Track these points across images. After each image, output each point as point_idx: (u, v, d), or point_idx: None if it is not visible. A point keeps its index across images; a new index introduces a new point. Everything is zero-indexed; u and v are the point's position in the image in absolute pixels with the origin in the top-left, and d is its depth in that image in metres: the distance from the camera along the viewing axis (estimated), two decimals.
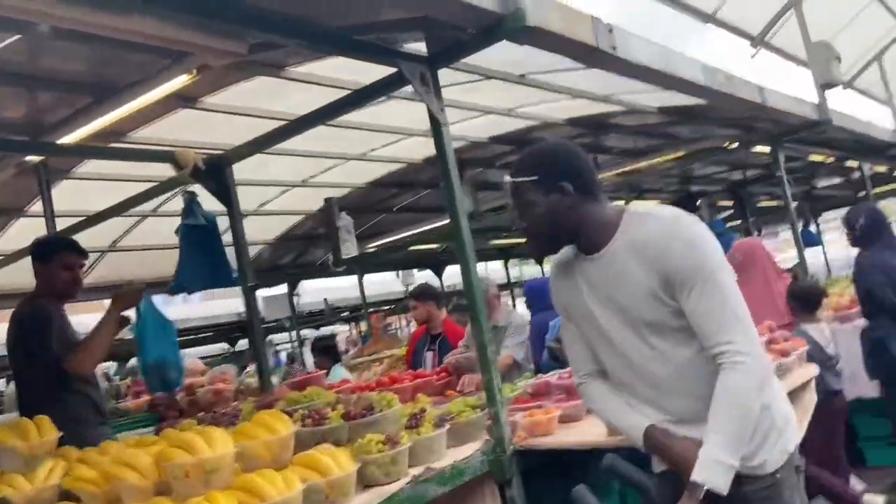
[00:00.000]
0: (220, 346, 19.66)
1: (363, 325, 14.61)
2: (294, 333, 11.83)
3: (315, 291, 14.41)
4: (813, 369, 3.57)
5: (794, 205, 6.63)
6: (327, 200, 4.34)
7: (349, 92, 4.03)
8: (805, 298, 4.51)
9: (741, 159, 9.57)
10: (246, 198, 8.29)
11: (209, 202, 4.49)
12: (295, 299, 10.96)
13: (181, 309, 15.85)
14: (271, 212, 8.92)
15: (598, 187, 2.05)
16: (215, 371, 5.52)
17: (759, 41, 6.95)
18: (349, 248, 4.22)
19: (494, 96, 6.20)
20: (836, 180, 13.24)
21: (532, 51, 3.68)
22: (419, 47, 3.43)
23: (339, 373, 5.93)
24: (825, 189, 14.30)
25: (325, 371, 6.20)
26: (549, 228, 2.02)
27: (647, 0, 6.35)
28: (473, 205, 8.86)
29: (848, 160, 9.49)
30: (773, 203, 12.73)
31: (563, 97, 6.37)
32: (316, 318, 13.92)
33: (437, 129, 3.14)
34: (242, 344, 17.73)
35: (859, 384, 4.84)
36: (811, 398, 3.53)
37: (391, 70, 3.29)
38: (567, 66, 4.82)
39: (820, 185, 14.09)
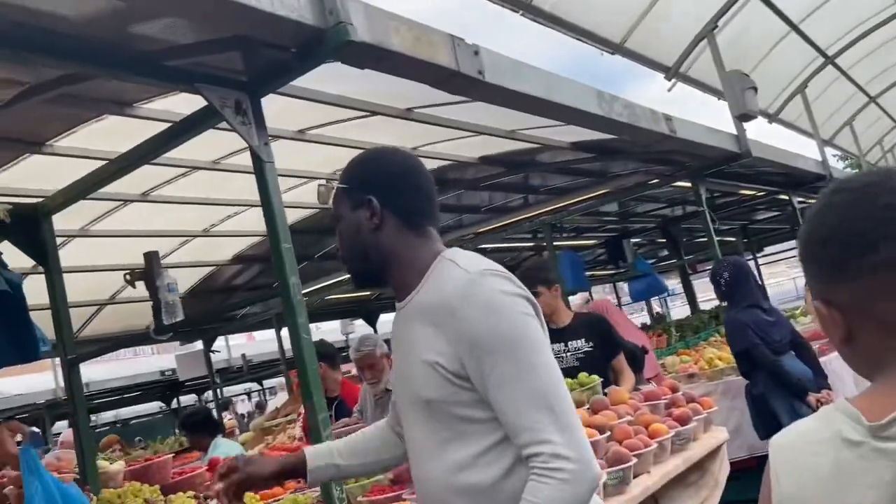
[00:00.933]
0: (156, 405, 18.61)
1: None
2: (211, 393, 11.03)
3: (238, 347, 13.65)
4: (722, 434, 3.09)
5: (733, 240, 6.35)
6: (147, 255, 3.72)
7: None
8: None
9: (677, 196, 9.31)
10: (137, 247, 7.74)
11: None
12: (214, 355, 10.20)
13: (106, 367, 14.88)
14: (176, 264, 8.28)
15: (428, 217, 1.60)
16: (55, 454, 4.77)
17: (674, 73, 6.67)
18: (173, 311, 3.60)
19: (394, 134, 5.75)
20: (773, 214, 13.14)
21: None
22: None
23: (223, 447, 5.22)
24: (763, 223, 14.23)
25: (201, 451, 5.51)
26: (351, 251, 1.60)
27: (554, 33, 6.01)
28: None
29: (779, 194, 9.27)
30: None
31: (468, 134, 5.95)
32: (236, 374, 13.12)
33: (258, 166, 2.62)
34: (184, 400, 16.76)
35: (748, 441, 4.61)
36: (722, 467, 3.03)
37: None
38: (452, 98, 4.41)
39: (758, 219, 14.03)
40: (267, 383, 18.80)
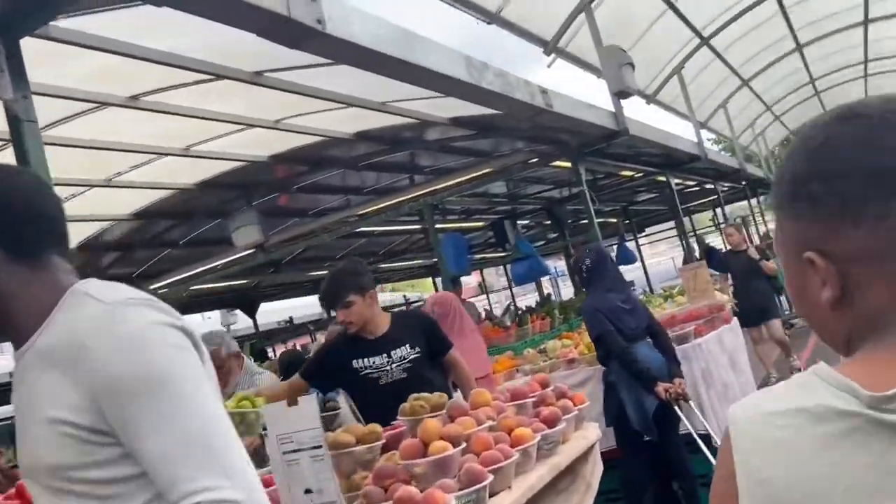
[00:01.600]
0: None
1: None
2: None
3: None
4: (593, 432, 2.79)
5: (615, 220, 6.20)
6: None
7: None
8: None
9: (563, 178, 9.18)
10: None
11: None
12: None
13: None
14: None
15: (47, 244, 1.26)
16: None
17: (552, 47, 6.42)
18: None
19: (246, 101, 5.16)
20: (652, 195, 13.40)
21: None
22: None
23: None
24: (643, 204, 14.51)
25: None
26: None
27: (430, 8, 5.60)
28: (261, 235, 7.75)
29: (658, 175, 9.32)
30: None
31: (337, 106, 5.45)
32: None
33: (14, 127, 2.04)
34: None
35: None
36: (595, 469, 2.73)
37: None
38: (313, 60, 3.90)
39: (639, 200, 14.29)
40: None
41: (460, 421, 2.29)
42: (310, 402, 1.80)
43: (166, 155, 6.03)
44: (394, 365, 3.18)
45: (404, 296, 17.75)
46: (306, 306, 14.41)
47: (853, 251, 0.72)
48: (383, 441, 2.36)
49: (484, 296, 18.30)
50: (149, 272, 9.44)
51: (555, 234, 13.12)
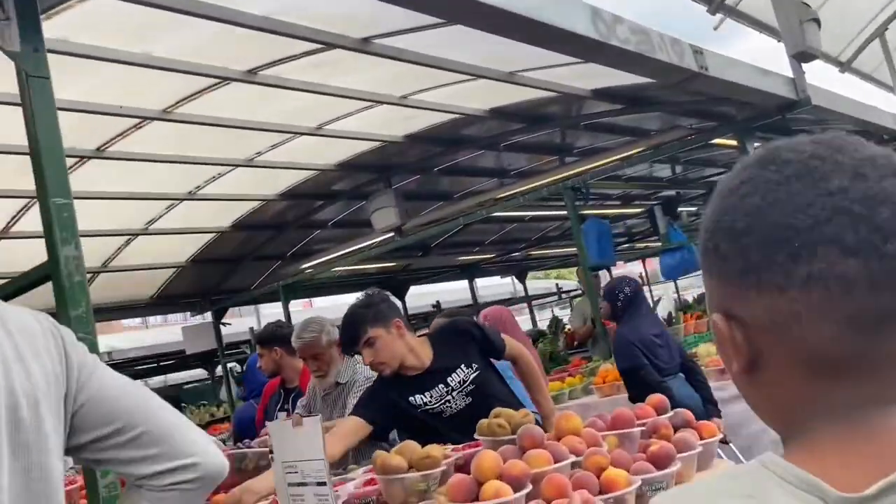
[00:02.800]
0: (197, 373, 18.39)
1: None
2: (221, 368, 10.53)
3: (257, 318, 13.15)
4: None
5: None
6: None
7: None
8: None
9: (735, 157, 8.15)
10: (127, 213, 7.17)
11: None
12: (223, 329, 9.67)
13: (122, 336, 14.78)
14: (167, 230, 7.68)
15: None
16: None
17: (718, 4, 5.55)
18: None
19: (374, 78, 4.89)
20: None
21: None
22: None
23: None
24: None
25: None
26: None
27: None
28: (398, 218, 7.55)
29: None
30: None
31: (463, 78, 5.04)
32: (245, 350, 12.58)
33: (22, 83, 1.81)
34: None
35: None
36: None
37: None
38: (421, 21, 3.52)
39: None
40: None
41: (532, 455, 1.80)
42: (314, 425, 1.41)
43: (300, 134, 5.95)
44: (455, 393, 2.72)
45: (556, 284, 17.10)
46: (454, 291, 14.24)
47: (754, 319, 0.64)
48: (443, 468, 1.92)
49: (646, 287, 17.17)
50: (300, 252, 9.65)
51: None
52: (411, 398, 2.73)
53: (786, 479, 0.58)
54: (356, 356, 3.75)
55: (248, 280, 9.91)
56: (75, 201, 6.08)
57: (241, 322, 12.72)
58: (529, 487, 1.68)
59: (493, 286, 17.81)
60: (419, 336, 2.96)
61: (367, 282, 12.30)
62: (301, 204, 8.33)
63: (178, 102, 4.70)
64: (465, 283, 13.09)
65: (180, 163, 6.08)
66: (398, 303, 13.13)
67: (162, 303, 9.26)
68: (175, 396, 14.47)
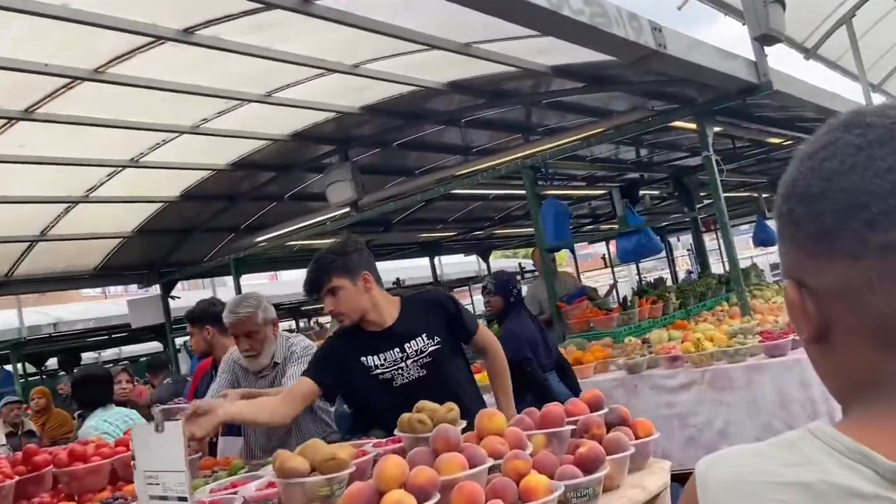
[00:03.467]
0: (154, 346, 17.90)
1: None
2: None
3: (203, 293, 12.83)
4: (659, 476, 2.04)
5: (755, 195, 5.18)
6: None
7: None
8: None
9: (696, 141, 8.06)
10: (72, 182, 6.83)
11: None
12: (171, 302, 9.36)
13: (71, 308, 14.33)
14: (109, 198, 7.34)
15: None
16: None
17: None
18: None
19: (326, 45, 4.64)
20: None
21: None
22: None
23: (97, 423, 4.28)
24: None
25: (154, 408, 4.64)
26: None
27: None
28: (354, 192, 7.32)
29: None
30: (733, 194, 11.24)
31: (416, 48, 4.81)
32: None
33: None
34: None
35: None
36: None
37: None
38: None
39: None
40: None
41: (444, 460, 1.64)
42: (175, 430, 1.22)
43: (248, 101, 5.67)
44: (409, 361, 2.59)
45: (519, 264, 17.02)
46: (417, 268, 14.07)
47: (827, 287, 0.62)
48: (351, 470, 1.75)
49: (607, 270, 17.22)
50: (255, 225, 9.36)
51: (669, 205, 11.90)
52: (364, 359, 2.61)
53: (834, 447, 0.58)
54: (286, 333, 3.57)
55: (200, 252, 9.60)
56: (6, 165, 5.75)
57: (195, 295, 12.39)
58: (436, 498, 1.52)
59: (457, 264, 17.68)
60: (393, 296, 2.80)
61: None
62: (254, 175, 8.05)
63: (110, 62, 4.41)
64: (427, 261, 12.93)
65: (119, 127, 5.76)
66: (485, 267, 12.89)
67: (106, 274, 8.93)
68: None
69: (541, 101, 6.70)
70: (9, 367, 11.97)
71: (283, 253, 10.26)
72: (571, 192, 10.32)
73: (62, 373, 14.12)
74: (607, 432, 2.04)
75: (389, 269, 14.13)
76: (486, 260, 14.87)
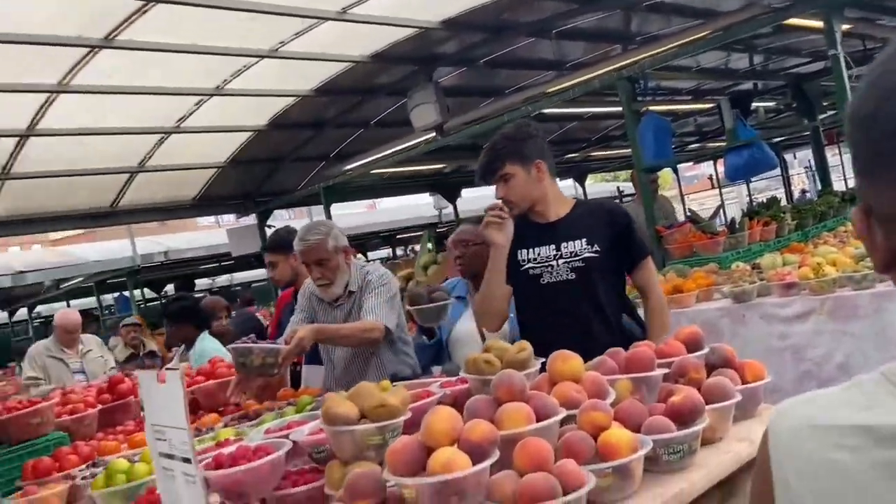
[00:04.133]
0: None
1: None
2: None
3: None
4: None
5: None
6: None
7: None
8: None
9: (819, 45, 7.17)
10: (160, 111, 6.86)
11: None
12: (268, 231, 9.49)
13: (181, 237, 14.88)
14: (200, 128, 7.38)
15: None
16: None
17: None
18: None
19: None
20: None
21: None
22: None
23: (208, 346, 4.33)
24: None
25: (176, 349, 4.74)
26: None
27: None
28: (439, 115, 7.02)
29: None
30: None
31: None
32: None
33: None
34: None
35: None
36: None
37: None
38: None
39: None
40: None
41: (507, 410, 1.39)
42: (174, 382, 1.03)
43: (323, 19, 5.43)
44: (561, 261, 2.44)
45: (618, 188, 16.27)
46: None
47: (892, 215, 0.61)
48: (406, 416, 1.55)
49: (714, 191, 16.22)
50: (343, 152, 9.27)
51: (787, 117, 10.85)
52: (518, 252, 2.49)
53: None
54: (361, 259, 3.42)
55: (292, 182, 9.64)
56: (96, 96, 5.79)
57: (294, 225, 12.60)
58: (495, 456, 1.29)
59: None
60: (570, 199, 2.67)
61: (416, 184, 11.89)
62: (338, 101, 7.88)
63: None
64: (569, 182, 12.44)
65: (199, 53, 5.68)
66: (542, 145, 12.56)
67: (205, 204, 9.12)
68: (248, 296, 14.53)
69: (641, 2, 6.08)
70: (126, 294, 12.74)
71: (371, 181, 10.16)
72: (674, 106, 9.58)
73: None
74: (708, 376, 1.74)
75: (481, 197, 13.85)
76: (582, 184, 14.30)
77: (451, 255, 3.15)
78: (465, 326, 2.95)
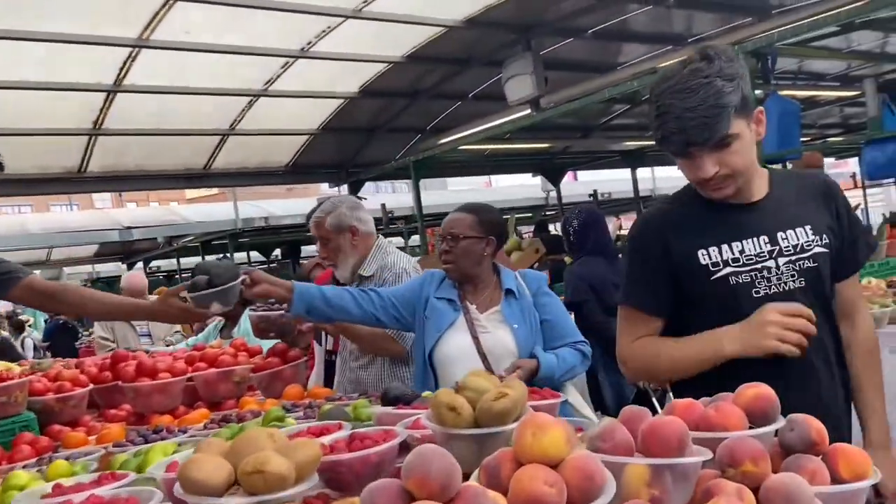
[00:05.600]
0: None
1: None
2: None
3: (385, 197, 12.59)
4: None
5: None
6: None
7: None
8: None
9: None
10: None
11: None
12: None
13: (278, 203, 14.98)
14: (288, 92, 7.14)
15: None
16: None
17: None
18: None
19: None
20: None
21: None
22: None
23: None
24: None
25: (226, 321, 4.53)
26: None
27: None
28: (535, 88, 6.41)
29: None
30: None
31: None
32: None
33: None
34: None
35: None
36: None
37: None
38: None
39: None
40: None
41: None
42: None
43: None
44: (782, 260, 1.58)
45: None
46: (614, 181, 12.77)
47: None
48: (301, 489, 1.08)
49: (858, 191, 14.51)
50: (439, 125, 8.84)
51: None
52: (702, 253, 1.59)
53: None
54: (385, 242, 2.94)
55: (386, 153, 9.31)
56: (179, 54, 5.61)
57: (380, 199, 12.32)
58: None
59: (667, 179, 15.99)
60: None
61: (517, 163, 11.27)
62: (433, 70, 7.43)
63: None
64: (643, 173, 11.57)
65: (280, 10, 5.39)
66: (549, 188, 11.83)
67: (298, 171, 8.98)
68: None
69: None
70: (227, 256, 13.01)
71: (466, 157, 9.66)
72: (815, 92, 8.44)
73: (287, 260, 15.41)
74: (781, 462, 1.15)
75: (585, 182, 13.02)
76: None
77: (438, 247, 2.57)
78: (455, 340, 2.35)
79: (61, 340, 9.96)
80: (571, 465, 1.02)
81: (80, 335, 10.27)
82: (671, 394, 2.20)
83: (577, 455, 1.05)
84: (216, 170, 8.37)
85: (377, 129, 8.62)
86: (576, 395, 2.35)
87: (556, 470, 1.02)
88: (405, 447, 1.51)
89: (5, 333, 10.67)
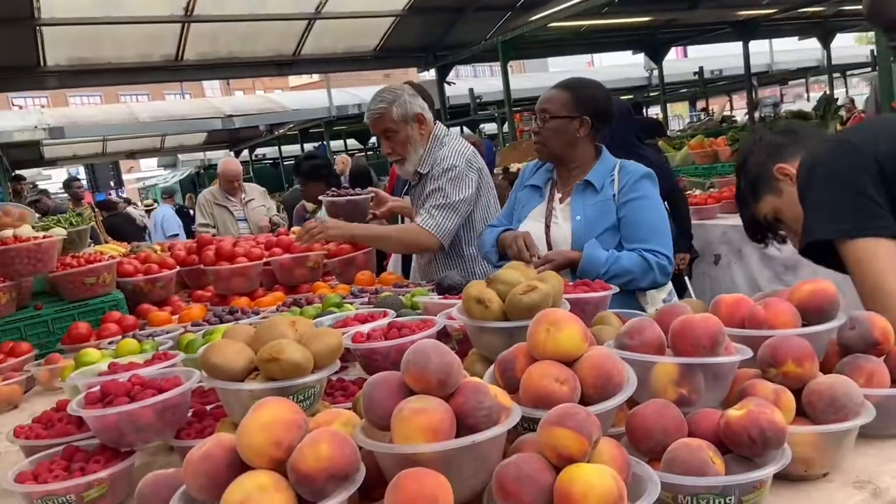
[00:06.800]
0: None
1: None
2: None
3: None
4: None
5: None
6: None
7: None
8: None
9: None
10: None
11: None
12: (447, 88, 9.05)
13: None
14: None
15: None
16: None
17: None
18: None
19: None
20: None
21: None
22: None
23: None
24: None
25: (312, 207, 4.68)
26: None
27: None
28: None
29: None
30: None
31: None
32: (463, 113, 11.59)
33: None
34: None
35: None
36: None
37: None
38: None
39: None
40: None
41: (403, 415, 0.87)
42: None
43: None
44: None
45: (872, 51, 13.35)
46: (725, 56, 11.78)
47: None
48: (319, 377, 1.10)
49: None
50: (531, 2, 8.36)
51: None
52: None
53: None
54: (443, 131, 2.75)
55: (475, 34, 8.96)
56: None
57: (468, 84, 11.98)
58: (341, 497, 0.78)
59: (788, 52, 14.62)
60: None
61: (614, 39, 10.58)
62: None
63: None
64: (757, 46, 10.61)
65: None
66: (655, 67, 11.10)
67: (385, 55, 8.83)
68: None
69: None
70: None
71: (559, 35, 9.15)
72: None
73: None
74: (833, 365, 1.06)
75: (688, 60, 12.10)
76: (826, 45, 11.95)
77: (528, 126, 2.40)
78: (531, 228, 2.18)
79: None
80: (587, 363, 0.97)
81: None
82: None
83: (595, 352, 0.99)
84: (305, 55, 8.36)
85: (466, 9, 8.27)
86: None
87: (571, 367, 0.97)
88: (445, 335, 1.51)
89: (135, 212, 11.16)
